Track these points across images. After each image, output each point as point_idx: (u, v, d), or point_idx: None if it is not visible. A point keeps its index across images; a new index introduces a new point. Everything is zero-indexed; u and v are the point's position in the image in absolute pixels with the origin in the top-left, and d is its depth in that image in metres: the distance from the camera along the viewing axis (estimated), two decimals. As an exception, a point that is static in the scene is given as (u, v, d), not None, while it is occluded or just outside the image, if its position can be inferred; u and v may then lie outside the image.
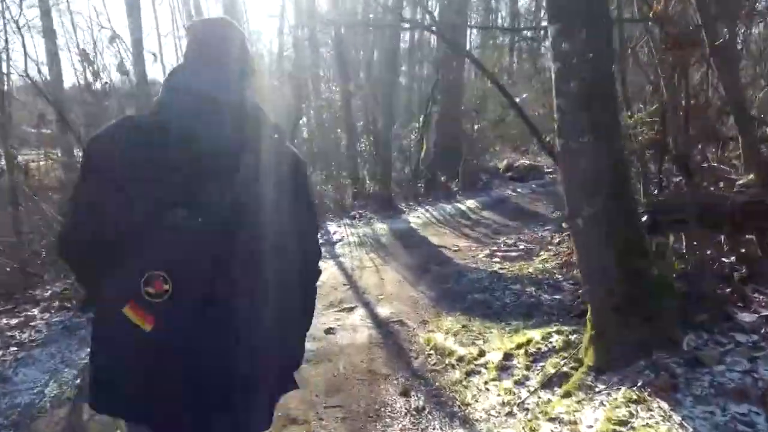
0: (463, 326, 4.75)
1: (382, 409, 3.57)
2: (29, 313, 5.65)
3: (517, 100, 20.32)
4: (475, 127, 15.11)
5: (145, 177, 1.41)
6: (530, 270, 6.19)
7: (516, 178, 14.74)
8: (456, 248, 8.31)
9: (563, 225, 8.51)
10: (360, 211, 11.22)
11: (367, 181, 13.27)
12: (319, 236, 1.86)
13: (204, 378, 1.46)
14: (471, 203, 12.05)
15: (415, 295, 5.94)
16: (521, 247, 7.82)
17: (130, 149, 1.44)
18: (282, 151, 1.63)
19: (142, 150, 1.42)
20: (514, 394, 3.44)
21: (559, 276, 5.69)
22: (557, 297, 5.15)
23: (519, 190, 13.60)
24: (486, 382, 3.68)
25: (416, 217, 10.77)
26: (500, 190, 13.65)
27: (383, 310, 5.44)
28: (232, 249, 1.46)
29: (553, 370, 3.45)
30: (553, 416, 3.00)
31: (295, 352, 1.78)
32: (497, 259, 7.29)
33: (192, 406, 1.47)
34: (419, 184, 12.87)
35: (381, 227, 9.95)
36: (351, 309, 5.53)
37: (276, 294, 1.55)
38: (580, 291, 5.05)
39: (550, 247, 7.25)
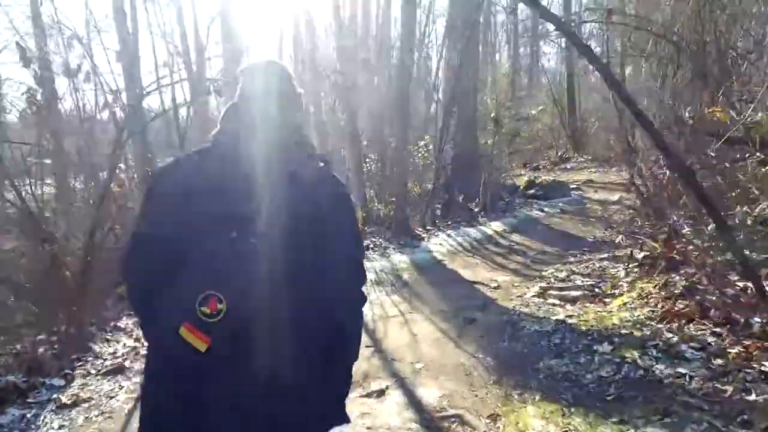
0: (561, 428, 3.09)
1: None
2: None
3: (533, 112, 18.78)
4: (490, 141, 13.56)
5: (200, 203, 1.47)
6: (614, 321, 4.53)
7: (539, 196, 13.12)
8: (495, 284, 6.67)
9: (624, 255, 6.91)
10: (372, 239, 9.57)
11: (376, 204, 11.70)
12: (365, 264, 1.74)
13: (252, 404, 1.45)
14: (497, 226, 10.41)
15: (465, 361, 4.28)
16: (579, 283, 6.18)
17: (186, 178, 1.53)
18: (327, 179, 1.65)
19: (198, 179, 1.51)
20: None
21: (668, 333, 4.02)
22: (682, 371, 3.49)
23: (546, 209, 11.98)
24: None
25: (438, 245, 9.11)
26: (525, 210, 12.02)
27: (428, 393, 3.75)
28: (280, 270, 1.46)
29: None
30: None
31: (342, 381, 1.71)
32: (554, 301, 5.65)
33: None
34: (437, 206, 11.23)
35: (400, 259, 8.26)
36: (381, 392, 3.81)
37: (319, 317, 1.54)
38: (719, 363, 3.41)
39: (622, 284, 5.61)
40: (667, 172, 8.13)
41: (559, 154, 21.19)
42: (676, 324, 3.99)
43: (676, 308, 4.10)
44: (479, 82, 14.47)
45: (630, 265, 6.06)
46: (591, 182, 14.97)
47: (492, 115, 13.88)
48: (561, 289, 6.02)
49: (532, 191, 13.33)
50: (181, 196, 1.49)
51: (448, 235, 9.70)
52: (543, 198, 12.98)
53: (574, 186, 14.16)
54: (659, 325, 4.13)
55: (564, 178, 14.88)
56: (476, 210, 11.48)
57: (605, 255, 7.19)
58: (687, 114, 6.40)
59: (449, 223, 10.75)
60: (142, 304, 1.63)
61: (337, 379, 1.68)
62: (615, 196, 12.62)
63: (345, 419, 1.71)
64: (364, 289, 1.72)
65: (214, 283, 1.42)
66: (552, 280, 6.54)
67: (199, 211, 1.46)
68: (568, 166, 19.15)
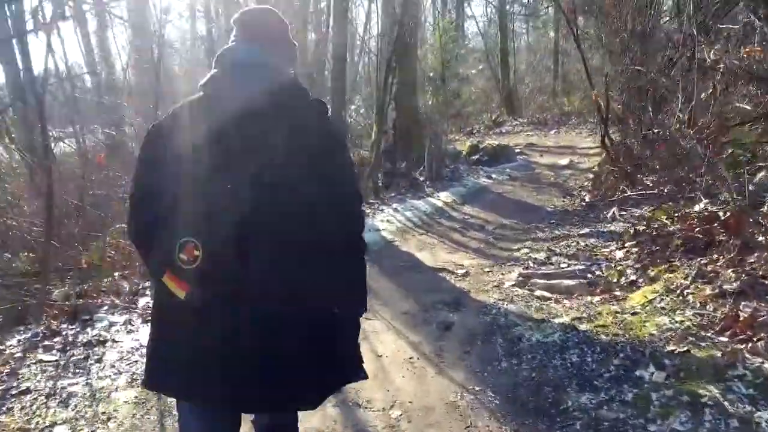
0: None
1: None
2: None
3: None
4: (431, 102, 12.25)
5: (184, 148, 1.45)
6: (649, 330, 3.31)
7: (484, 162, 11.99)
8: (462, 271, 5.41)
9: (613, 231, 5.82)
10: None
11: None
12: (362, 210, 1.72)
13: (239, 350, 1.44)
14: (446, 197, 9.15)
15: (456, 399, 2.98)
16: (566, 267, 5.02)
17: (174, 126, 1.52)
18: (318, 122, 1.59)
19: (184, 124, 1.49)
20: None
21: (752, 356, 2.77)
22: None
23: (494, 176, 10.86)
24: None
25: (386, 222, 7.74)
26: (473, 177, 10.84)
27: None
28: (259, 214, 1.42)
29: None
30: None
31: (351, 332, 1.69)
32: (544, 293, 4.44)
33: (230, 381, 1.44)
34: (378, 177, 9.86)
35: (343, 241, 6.89)
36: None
37: (312, 258, 1.49)
38: None
39: (627, 271, 4.46)
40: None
41: (493, 117, 20.23)
42: (755, 339, 2.84)
43: (741, 315, 2.95)
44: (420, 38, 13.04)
45: (627, 245, 4.96)
46: (533, 146, 14.03)
47: (431, 74, 12.59)
48: (547, 276, 4.83)
49: (476, 157, 12.18)
50: (165, 147, 1.48)
51: (395, 210, 8.34)
52: (488, 164, 11.86)
53: (518, 150, 13.15)
54: (724, 339, 2.96)
55: (506, 142, 13.85)
56: (422, 179, 10.19)
57: (587, 230, 6.08)
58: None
59: (394, 195, 9.39)
60: (143, 258, 1.66)
61: (344, 338, 1.64)
62: (564, 160, 11.70)
63: (362, 375, 1.71)
64: (362, 230, 1.67)
65: (191, 229, 1.39)
66: (530, 263, 5.35)
67: (181, 159, 1.44)
68: (503, 130, 18.16)
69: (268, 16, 1.67)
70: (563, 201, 8.60)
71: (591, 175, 9.36)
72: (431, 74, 12.61)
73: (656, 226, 4.90)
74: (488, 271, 5.40)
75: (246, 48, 1.59)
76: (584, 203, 7.84)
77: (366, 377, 1.71)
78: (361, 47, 16.31)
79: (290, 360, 1.48)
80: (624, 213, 6.21)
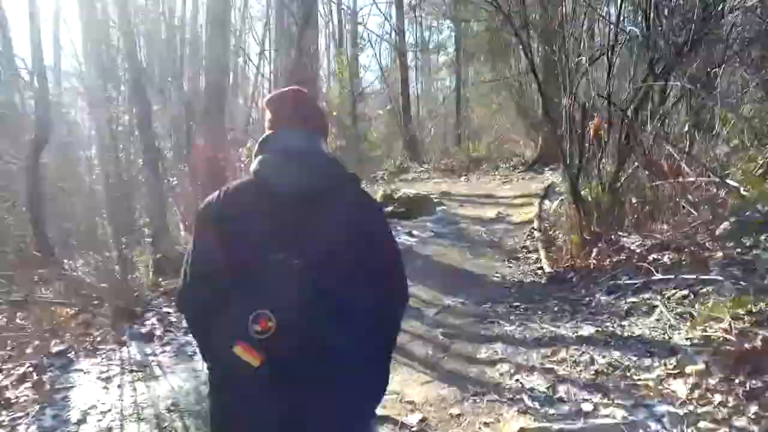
0: None
1: None
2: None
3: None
4: (335, 145, 10.08)
5: (247, 228, 1.52)
6: None
7: (401, 214, 9.89)
8: (414, 418, 3.15)
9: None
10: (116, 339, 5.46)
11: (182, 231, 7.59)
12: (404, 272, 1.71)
13: (307, 411, 1.49)
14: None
15: None
16: (596, 414, 2.91)
17: (233, 205, 1.55)
18: (361, 195, 1.66)
19: (244, 204, 1.55)
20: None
21: None
22: None
23: (415, 233, 8.74)
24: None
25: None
26: (390, 235, 8.66)
27: None
28: (325, 286, 1.48)
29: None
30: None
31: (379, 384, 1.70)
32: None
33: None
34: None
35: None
36: None
37: (363, 329, 1.56)
38: None
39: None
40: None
41: (397, 163, 18.50)
42: None
43: None
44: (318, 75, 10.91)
45: (690, 369, 2.91)
46: (448, 195, 12.18)
47: (334, 113, 10.50)
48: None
49: (390, 209, 10.05)
50: (227, 226, 1.53)
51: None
52: (405, 217, 9.77)
53: (435, 200, 11.25)
54: None
55: (417, 191, 11.94)
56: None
57: (588, 329, 3.99)
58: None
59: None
60: (199, 332, 1.66)
61: (379, 376, 1.69)
62: (489, 212, 9.86)
63: (375, 415, 1.75)
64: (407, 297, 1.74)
65: (264, 302, 1.44)
66: (526, 400, 3.17)
67: (245, 238, 1.50)
68: (410, 177, 16.32)
69: (302, 97, 1.73)
70: (510, 267, 6.63)
71: (537, 233, 7.50)
72: (334, 113, 10.51)
73: (737, 331, 2.91)
74: (458, 417, 3.15)
75: (289, 134, 1.64)
76: (544, 274, 5.89)
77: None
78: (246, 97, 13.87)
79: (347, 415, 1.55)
80: (634, 299, 4.26)
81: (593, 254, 5.48)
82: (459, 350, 4.20)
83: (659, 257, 4.72)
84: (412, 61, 22.58)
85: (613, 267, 5.02)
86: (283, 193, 1.52)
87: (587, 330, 3.91)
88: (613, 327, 3.88)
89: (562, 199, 7.39)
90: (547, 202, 9.58)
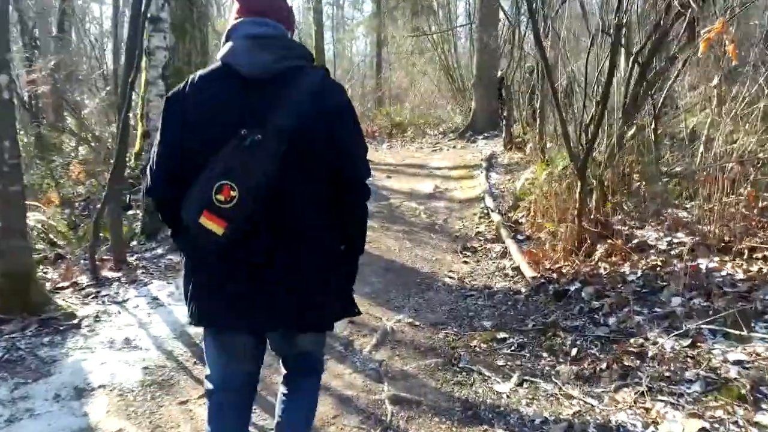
0: None
1: None
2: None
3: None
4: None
5: (213, 110, 1.54)
6: None
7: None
8: None
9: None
10: None
11: None
12: (368, 163, 1.71)
13: (270, 275, 1.55)
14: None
15: None
16: None
17: (198, 91, 1.57)
18: (332, 87, 1.63)
19: (210, 89, 1.56)
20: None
21: None
22: None
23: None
24: None
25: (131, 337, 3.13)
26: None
27: None
28: (285, 161, 1.49)
29: None
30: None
31: (352, 271, 1.78)
32: None
33: (258, 307, 1.56)
34: (136, 225, 5.04)
35: None
36: None
37: (327, 201, 1.62)
38: None
39: None
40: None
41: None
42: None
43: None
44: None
45: None
46: (372, 163, 10.17)
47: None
48: None
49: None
50: (192, 111, 1.55)
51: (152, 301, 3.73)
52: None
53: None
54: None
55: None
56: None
57: (680, 414, 2.17)
58: None
59: (154, 251, 4.74)
60: (168, 215, 1.66)
61: (347, 269, 1.76)
62: (425, 185, 7.96)
63: (356, 311, 1.78)
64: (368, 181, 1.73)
65: (227, 174, 1.45)
66: None
67: (211, 119, 1.53)
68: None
69: None
70: (466, 263, 4.77)
71: (495, 216, 5.66)
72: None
73: None
74: None
75: (256, 22, 1.62)
76: (522, 278, 4.06)
77: (360, 313, 1.79)
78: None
79: (309, 286, 1.60)
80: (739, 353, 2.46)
81: (599, 253, 3.70)
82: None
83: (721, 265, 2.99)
84: (327, 19, 20.12)
85: (643, 277, 3.26)
86: (247, 74, 1.53)
87: (673, 417, 2.06)
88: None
89: (535, 175, 5.57)
90: (494, 175, 7.84)
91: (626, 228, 3.89)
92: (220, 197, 1.44)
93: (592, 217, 3.96)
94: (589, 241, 3.84)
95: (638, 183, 4.33)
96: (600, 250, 3.71)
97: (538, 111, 6.14)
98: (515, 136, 9.54)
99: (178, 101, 1.60)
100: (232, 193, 1.44)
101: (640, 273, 3.33)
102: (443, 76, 15.79)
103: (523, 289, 3.92)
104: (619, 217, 4.12)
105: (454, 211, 6.59)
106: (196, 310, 1.63)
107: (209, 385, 1.72)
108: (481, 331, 3.36)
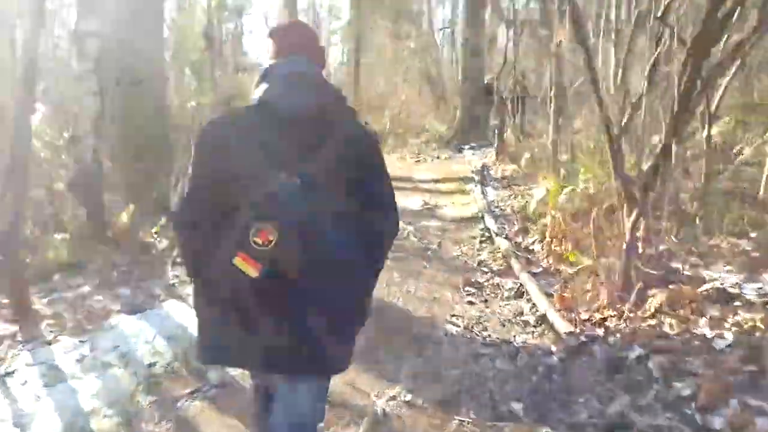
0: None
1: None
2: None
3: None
4: (195, 104, 6.70)
5: (249, 149, 1.50)
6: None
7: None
8: None
9: None
10: None
11: None
12: (396, 202, 1.69)
13: (297, 320, 1.51)
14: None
15: None
16: None
17: (235, 128, 1.55)
18: (357, 119, 1.66)
19: (246, 127, 1.53)
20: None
21: None
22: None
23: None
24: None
25: None
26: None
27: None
28: (323, 205, 1.48)
29: None
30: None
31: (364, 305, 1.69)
32: None
33: (286, 348, 1.51)
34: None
35: None
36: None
37: (358, 251, 1.58)
38: None
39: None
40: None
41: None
42: None
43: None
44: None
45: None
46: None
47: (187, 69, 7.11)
48: None
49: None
50: (227, 149, 1.52)
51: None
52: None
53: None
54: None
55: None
56: (168, 259, 4.56)
57: None
58: None
59: (79, 289, 3.63)
60: (190, 252, 1.63)
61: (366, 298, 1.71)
62: (412, 201, 6.91)
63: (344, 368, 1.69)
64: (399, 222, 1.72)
65: (265, 217, 1.43)
66: None
67: (247, 159, 1.50)
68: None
69: (303, 29, 1.75)
70: (472, 303, 3.76)
71: (502, 243, 4.66)
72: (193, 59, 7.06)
73: None
74: None
75: (292, 61, 1.61)
76: (551, 330, 3.06)
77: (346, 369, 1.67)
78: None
79: (326, 329, 1.54)
80: None
81: (658, 302, 2.73)
82: None
83: None
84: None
85: (738, 345, 2.29)
86: (285, 115, 1.53)
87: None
88: None
89: (547, 193, 4.59)
90: (490, 190, 6.87)
91: (686, 265, 2.94)
92: (258, 240, 1.43)
93: (641, 250, 3.00)
94: (640, 283, 2.87)
95: (690, 205, 3.39)
96: (659, 296, 2.74)
97: (552, 116, 5.19)
98: (508, 146, 8.61)
99: (213, 132, 1.59)
100: (270, 237, 1.43)
101: (730, 337, 2.37)
102: (425, 83, 14.90)
103: (554, 348, 2.93)
104: (667, 248, 3.18)
105: (449, 232, 5.59)
106: (222, 352, 1.60)
107: None
108: (511, 421, 2.35)
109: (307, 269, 1.46)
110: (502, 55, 10.62)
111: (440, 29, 16.47)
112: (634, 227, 2.78)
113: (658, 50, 3.12)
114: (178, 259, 4.76)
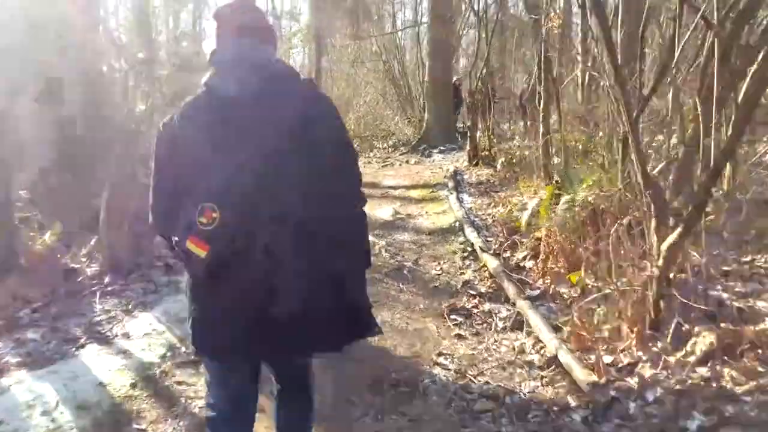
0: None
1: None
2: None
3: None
4: (145, 107, 5.92)
5: (199, 136, 1.48)
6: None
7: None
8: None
9: None
10: None
11: None
12: (359, 169, 1.65)
13: (256, 302, 1.45)
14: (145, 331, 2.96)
15: None
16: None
17: (187, 119, 1.52)
18: (309, 88, 1.62)
19: (196, 116, 1.51)
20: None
21: None
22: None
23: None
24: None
25: None
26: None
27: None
28: (267, 182, 1.45)
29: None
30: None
31: (357, 291, 1.62)
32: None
33: (256, 331, 1.47)
34: None
35: None
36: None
37: (319, 214, 1.49)
38: None
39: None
40: None
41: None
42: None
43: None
44: None
45: None
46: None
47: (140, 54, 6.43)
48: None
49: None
50: (182, 139, 1.51)
51: None
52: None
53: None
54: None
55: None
56: (98, 288, 3.77)
57: None
58: None
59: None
60: (169, 240, 1.57)
61: (351, 290, 1.60)
62: (382, 210, 6.26)
63: (375, 331, 1.65)
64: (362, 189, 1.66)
65: (210, 197, 1.43)
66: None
67: (198, 146, 1.48)
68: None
69: (247, 9, 1.67)
70: (461, 336, 3.15)
71: (490, 262, 4.05)
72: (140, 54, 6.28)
73: None
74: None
75: (237, 42, 1.57)
76: (562, 377, 2.47)
77: (381, 332, 1.68)
78: None
79: (304, 309, 1.46)
80: None
81: (705, 347, 2.16)
82: None
83: None
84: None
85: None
86: (231, 97, 1.50)
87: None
88: None
89: (539, 202, 3.99)
90: (466, 197, 6.27)
91: (728, 294, 2.38)
92: (203, 219, 1.42)
93: (671, 276, 2.42)
94: (677, 318, 2.29)
95: (715, 218, 2.85)
96: (705, 337, 2.16)
97: (541, 116, 4.62)
98: (481, 149, 8.06)
99: (167, 132, 1.56)
100: (213, 215, 1.41)
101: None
102: (389, 85, 14.29)
103: (572, 403, 2.32)
104: (698, 269, 2.62)
105: (425, 247, 4.96)
106: (200, 339, 1.56)
107: (212, 412, 1.65)
108: None
109: (279, 239, 1.43)
110: (469, 54, 10.11)
111: (404, 28, 15.88)
112: (673, 250, 2.20)
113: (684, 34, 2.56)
114: (109, 288, 4.00)
